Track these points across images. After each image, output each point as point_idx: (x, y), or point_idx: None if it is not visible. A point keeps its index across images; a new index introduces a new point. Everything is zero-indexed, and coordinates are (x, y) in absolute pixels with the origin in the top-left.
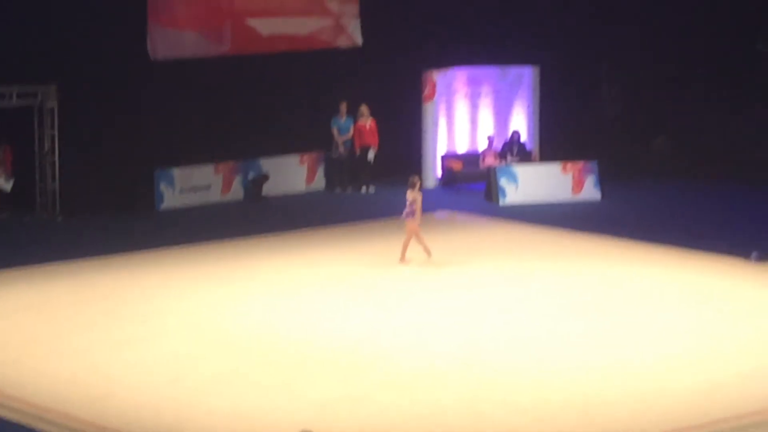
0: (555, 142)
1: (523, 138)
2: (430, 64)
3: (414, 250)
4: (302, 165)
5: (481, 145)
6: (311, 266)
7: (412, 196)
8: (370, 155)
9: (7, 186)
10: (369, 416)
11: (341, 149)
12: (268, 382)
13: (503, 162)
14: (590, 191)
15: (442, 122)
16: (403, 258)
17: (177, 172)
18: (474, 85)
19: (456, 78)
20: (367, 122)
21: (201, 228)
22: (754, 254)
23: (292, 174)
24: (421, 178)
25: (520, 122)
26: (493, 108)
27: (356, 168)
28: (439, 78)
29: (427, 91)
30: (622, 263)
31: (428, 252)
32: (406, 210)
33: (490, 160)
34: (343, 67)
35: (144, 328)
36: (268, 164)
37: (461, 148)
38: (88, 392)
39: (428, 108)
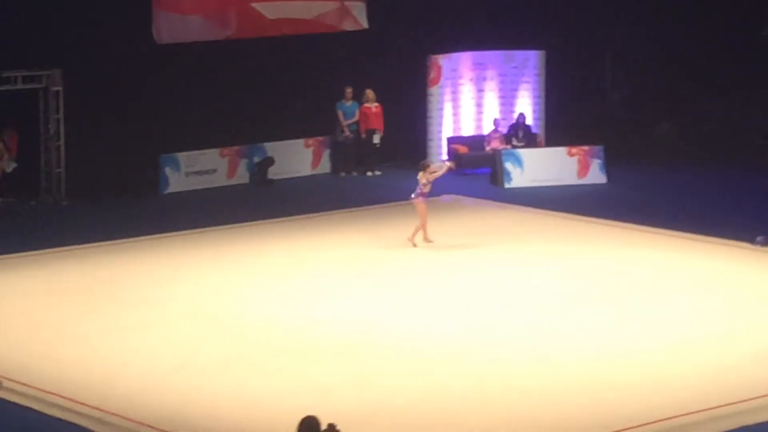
0: (560, 126)
1: (529, 121)
2: (435, 48)
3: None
4: (308, 149)
5: (487, 129)
6: (316, 250)
7: (425, 178)
8: (376, 139)
9: (9, 167)
10: (374, 400)
11: (347, 133)
12: (272, 366)
13: (509, 146)
14: (596, 175)
15: (448, 106)
16: (412, 240)
17: (182, 156)
18: (479, 69)
19: (461, 62)
20: (373, 106)
21: (206, 212)
22: (759, 239)
23: (297, 158)
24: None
25: (526, 106)
26: (498, 92)
27: (362, 152)
28: (444, 62)
29: (432, 75)
30: (628, 248)
31: (426, 238)
32: (418, 191)
33: (495, 144)
34: (348, 51)
35: (149, 313)
36: (273, 148)
37: (467, 132)
38: (92, 376)
39: (434, 92)
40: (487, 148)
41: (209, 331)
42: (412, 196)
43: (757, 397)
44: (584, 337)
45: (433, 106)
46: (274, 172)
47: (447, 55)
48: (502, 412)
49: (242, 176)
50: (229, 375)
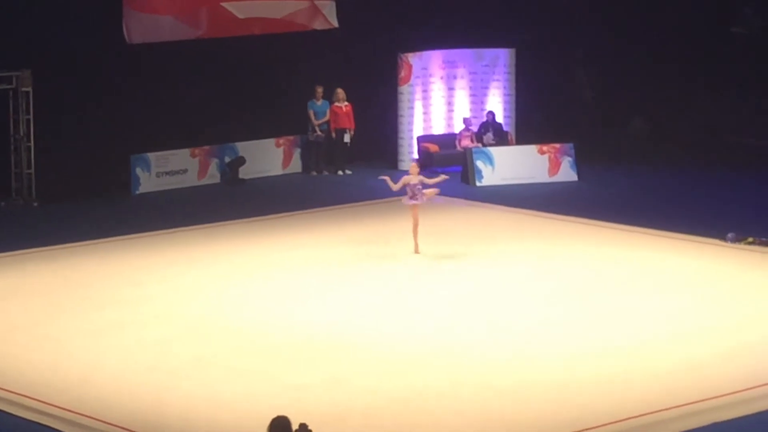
0: (531, 124)
1: (499, 119)
2: (405, 47)
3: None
4: (278, 148)
5: (458, 128)
6: (288, 250)
7: (413, 180)
8: (347, 138)
9: None
10: (347, 401)
11: (318, 132)
12: (245, 367)
13: (480, 144)
14: (566, 173)
15: (418, 105)
16: (416, 249)
17: (153, 157)
18: (450, 67)
19: (432, 60)
20: (343, 105)
21: (178, 212)
22: (730, 235)
23: (268, 157)
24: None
25: (496, 105)
26: (469, 90)
27: (332, 151)
28: (414, 60)
29: (402, 74)
30: (599, 246)
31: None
32: (408, 195)
33: (466, 142)
34: (318, 50)
35: (121, 314)
36: (244, 148)
37: (437, 131)
38: (65, 378)
39: (404, 90)
40: (458, 147)
41: (182, 332)
42: (404, 200)
43: (730, 394)
44: (556, 335)
45: (403, 104)
46: (245, 172)
47: (417, 53)
48: (475, 411)
49: (213, 176)
50: (202, 375)
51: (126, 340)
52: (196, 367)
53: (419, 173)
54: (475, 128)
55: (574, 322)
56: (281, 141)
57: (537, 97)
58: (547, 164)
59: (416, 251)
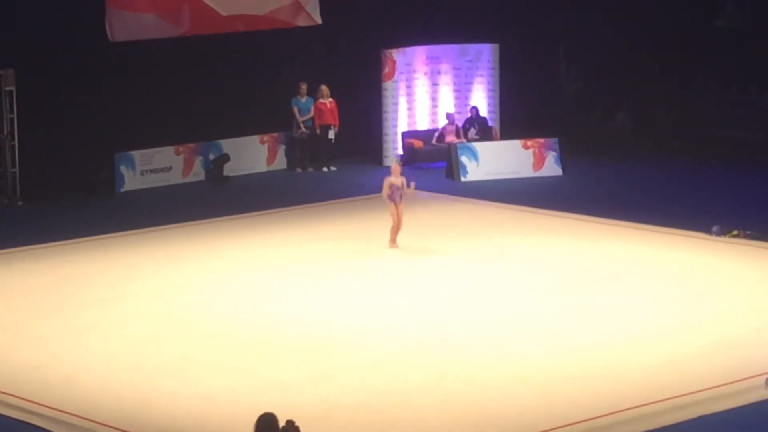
0: (515, 119)
1: (483, 114)
2: (389, 43)
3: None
4: (263, 145)
5: (442, 123)
6: (273, 247)
7: (397, 181)
8: (331, 135)
9: None
10: (333, 397)
11: (302, 129)
12: (230, 364)
13: (464, 139)
14: (551, 168)
15: (402, 101)
16: (393, 241)
17: (137, 155)
18: (433, 63)
19: (415, 56)
20: (327, 102)
21: (162, 210)
22: (714, 228)
23: (253, 154)
24: (400, 162)
25: (480, 100)
26: (453, 86)
27: (317, 148)
28: (398, 56)
29: (386, 70)
30: (585, 240)
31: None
32: (389, 194)
33: (451, 138)
34: (302, 47)
35: (106, 313)
36: (228, 145)
37: (422, 126)
38: (50, 378)
39: (388, 86)
40: (434, 141)
41: (167, 330)
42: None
43: (716, 387)
44: (543, 329)
45: (387, 100)
46: (229, 169)
47: (401, 49)
48: (461, 406)
49: (198, 173)
50: (188, 373)
51: (111, 338)
52: (181, 365)
53: (401, 173)
54: (459, 123)
55: (559, 316)
56: (266, 138)
57: (521, 92)
58: (531, 159)
59: (394, 245)
